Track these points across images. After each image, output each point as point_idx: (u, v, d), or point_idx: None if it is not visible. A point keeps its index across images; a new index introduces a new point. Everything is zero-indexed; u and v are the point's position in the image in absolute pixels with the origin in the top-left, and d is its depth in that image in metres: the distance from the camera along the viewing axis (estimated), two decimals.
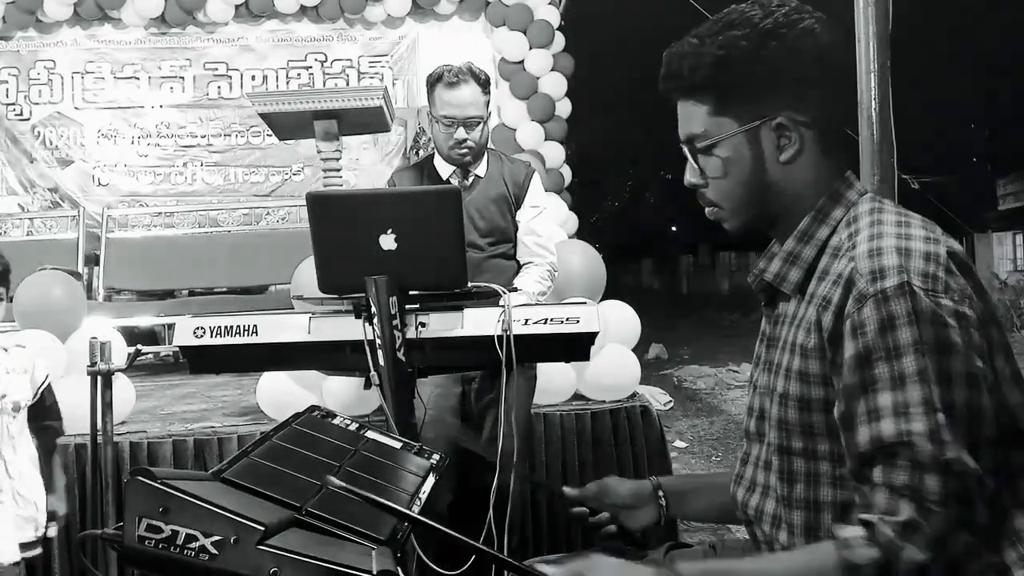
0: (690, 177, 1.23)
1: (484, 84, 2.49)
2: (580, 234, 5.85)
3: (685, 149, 1.21)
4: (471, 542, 1.05)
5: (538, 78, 6.21)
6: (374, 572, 0.95)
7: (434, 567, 1.99)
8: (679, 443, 5.71)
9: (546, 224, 2.64)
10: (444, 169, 2.55)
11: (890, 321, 1.01)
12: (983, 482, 0.98)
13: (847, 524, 1.02)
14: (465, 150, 2.47)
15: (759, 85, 1.14)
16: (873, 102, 2.62)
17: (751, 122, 1.15)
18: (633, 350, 3.33)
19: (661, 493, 1.41)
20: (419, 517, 1.08)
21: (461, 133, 2.45)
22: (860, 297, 1.04)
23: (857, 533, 0.99)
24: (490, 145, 2.67)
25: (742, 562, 1.11)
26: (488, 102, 2.53)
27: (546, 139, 6.20)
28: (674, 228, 27.98)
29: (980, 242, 13.66)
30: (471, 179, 2.55)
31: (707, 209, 1.24)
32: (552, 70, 6.24)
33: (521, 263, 2.62)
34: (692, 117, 1.18)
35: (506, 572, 1.38)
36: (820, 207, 1.17)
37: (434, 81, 2.49)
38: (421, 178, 2.56)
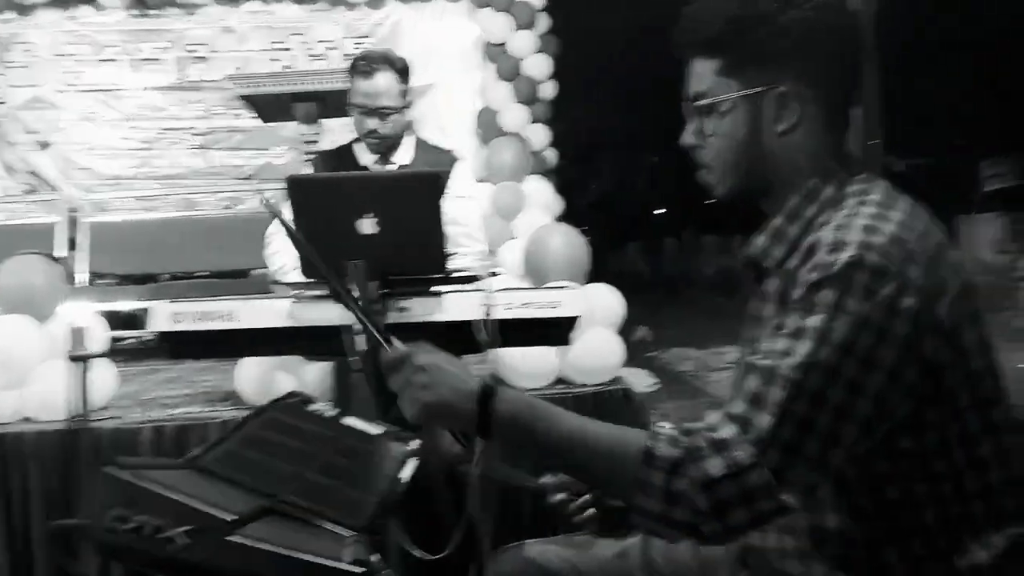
0: (686, 137, 1.23)
1: (402, 72, 2.45)
2: (565, 217, 5.83)
3: (690, 107, 1.21)
4: None
5: (522, 60, 6.16)
6: (347, 561, 0.94)
7: (417, 553, 1.98)
8: (664, 425, 5.72)
9: (472, 213, 2.58)
10: (364, 157, 2.53)
11: (824, 282, 1.02)
12: (824, 452, 0.98)
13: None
14: (377, 140, 2.44)
15: (770, 50, 1.13)
16: None
17: (755, 87, 1.14)
18: (619, 333, 3.33)
19: None
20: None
21: (373, 123, 2.42)
22: (814, 266, 1.04)
23: (667, 432, 1.02)
24: (423, 135, 2.64)
25: (564, 415, 1.10)
26: (406, 91, 2.48)
27: (531, 121, 6.16)
28: (660, 211, 27.97)
29: (963, 224, 13.68)
30: (393, 167, 2.52)
31: (700, 171, 1.24)
32: (537, 52, 6.19)
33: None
34: (700, 75, 1.19)
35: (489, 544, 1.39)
36: (812, 186, 1.16)
37: (352, 67, 2.46)
38: (340, 164, 2.54)
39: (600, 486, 1.13)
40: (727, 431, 0.99)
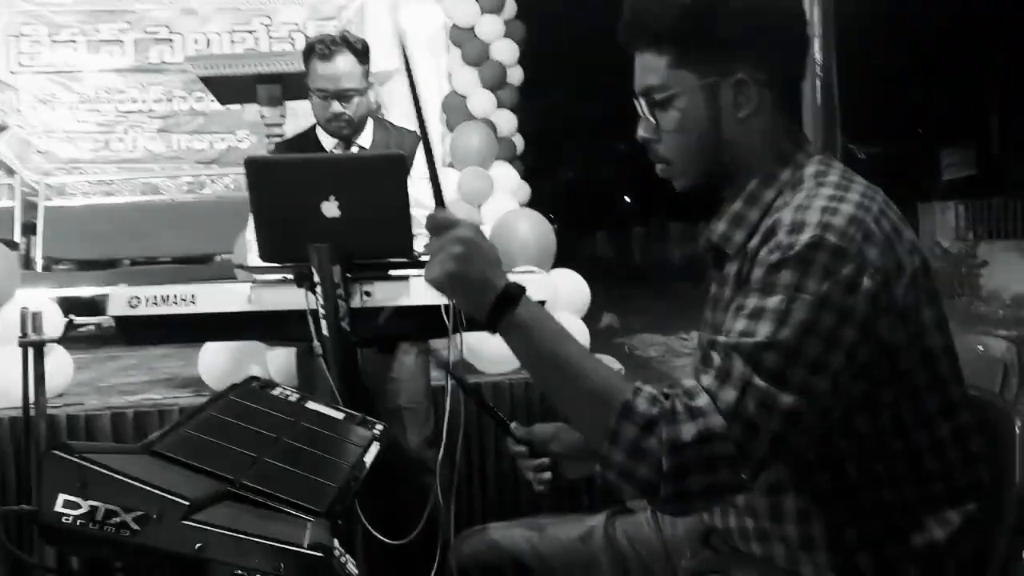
0: (643, 131, 1.21)
1: (361, 53, 2.40)
2: (532, 203, 5.82)
3: (641, 102, 1.19)
4: None
5: (489, 44, 6.13)
6: (305, 545, 0.92)
7: (380, 537, 1.97)
8: (668, 388, 5.76)
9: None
10: (327, 141, 2.48)
11: (783, 263, 1.02)
12: (785, 429, 0.99)
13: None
14: (342, 123, 2.40)
15: (722, 39, 1.12)
16: (818, 69, 2.63)
17: (711, 77, 1.13)
18: (585, 319, 3.33)
19: None
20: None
21: (336, 106, 2.37)
22: (774, 246, 1.04)
23: (651, 391, 1.02)
24: (381, 113, 2.60)
25: (572, 342, 1.09)
26: (367, 71, 2.44)
27: (498, 107, 6.13)
28: (627, 199, 28.10)
29: (923, 212, 13.92)
30: (355, 150, 2.49)
31: (658, 166, 1.23)
32: (504, 36, 6.16)
33: None
34: (651, 68, 1.16)
35: (452, 529, 1.37)
36: (769, 170, 1.16)
37: (308, 52, 2.41)
38: (303, 150, 2.49)
39: (576, 423, 1.12)
40: (702, 400, 0.99)
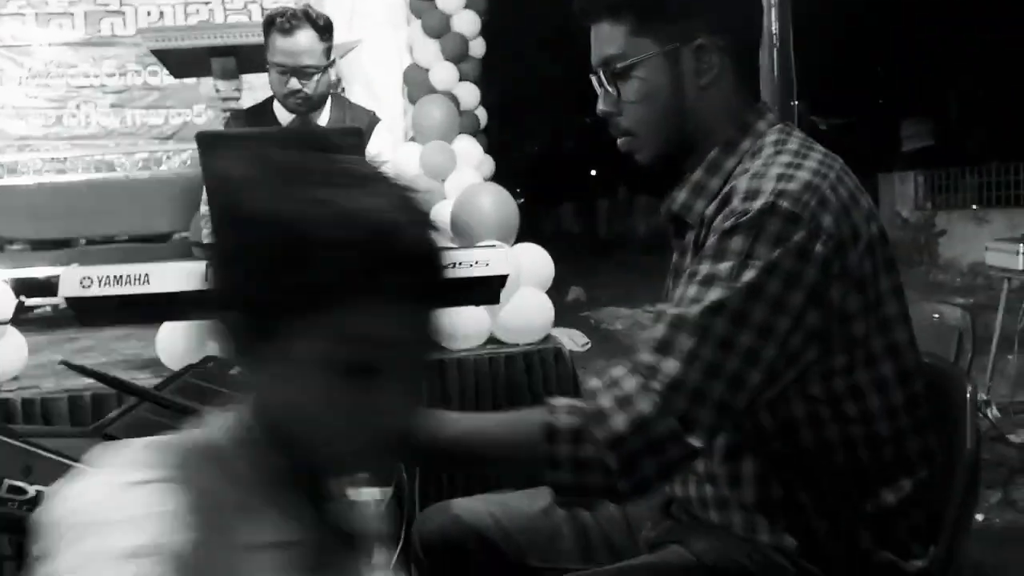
0: (603, 105, 1.19)
1: (323, 30, 2.35)
2: (497, 177, 5.78)
3: (600, 74, 1.18)
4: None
5: (450, 16, 6.05)
6: None
7: None
8: (595, 382, 5.79)
9: None
10: (284, 116, 2.44)
11: (735, 229, 1.02)
12: (733, 396, 0.98)
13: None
14: (300, 100, 2.36)
15: (680, 5, 1.12)
16: (774, 38, 2.63)
17: (672, 43, 1.12)
18: (551, 293, 3.32)
19: None
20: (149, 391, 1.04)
21: (295, 83, 2.33)
22: (729, 213, 1.04)
23: (565, 402, 1.02)
24: (340, 88, 2.56)
25: (456, 424, 1.08)
26: (329, 48, 2.39)
27: (460, 79, 6.07)
28: (593, 172, 28.09)
29: (884, 182, 14.09)
30: None
31: (620, 140, 1.22)
32: (465, 7, 6.08)
33: None
34: (609, 38, 1.15)
35: (416, 505, 1.36)
36: (729, 138, 1.16)
37: (268, 25, 2.35)
38: (258, 123, 2.45)
39: (513, 471, 1.12)
40: (629, 384, 0.98)
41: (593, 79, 1.20)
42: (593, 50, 1.18)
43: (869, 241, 1.06)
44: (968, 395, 1.15)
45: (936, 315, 1.68)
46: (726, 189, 1.09)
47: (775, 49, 2.64)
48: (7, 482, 0.85)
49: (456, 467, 1.14)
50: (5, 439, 0.86)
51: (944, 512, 1.12)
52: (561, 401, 1.02)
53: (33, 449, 0.86)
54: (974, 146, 15.17)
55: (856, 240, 1.05)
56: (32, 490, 0.86)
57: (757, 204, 1.01)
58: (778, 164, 1.07)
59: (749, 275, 0.99)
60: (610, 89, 1.17)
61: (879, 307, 1.07)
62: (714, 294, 0.99)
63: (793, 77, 2.65)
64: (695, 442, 0.97)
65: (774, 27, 2.65)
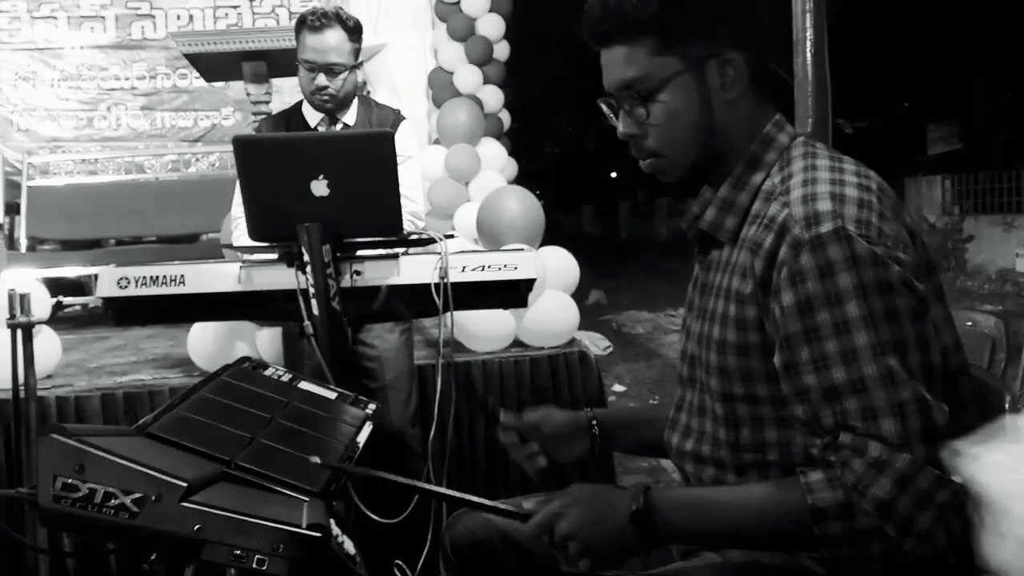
0: (625, 128, 1.18)
1: (352, 31, 2.41)
2: (519, 180, 5.80)
3: (622, 97, 1.16)
4: (415, 483, 1.05)
5: (475, 19, 6.07)
6: (304, 525, 0.93)
7: (373, 516, 1.98)
8: (618, 387, 5.79)
9: (410, 173, 2.51)
10: (312, 117, 2.48)
11: (828, 267, 1.01)
12: (943, 413, 0.99)
13: (809, 467, 1.03)
14: (326, 97, 2.40)
15: (701, 22, 1.11)
16: (809, 43, 2.62)
17: (696, 60, 1.12)
18: (573, 296, 3.33)
19: (595, 423, 1.40)
20: (350, 468, 1.06)
21: (322, 79, 2.38)
22: (795, 243, 1.03)
23: (819, 477, 1.00)
24: (367, 91, 2.59)
25: (717, 490, 1.11)
26: (357, 50, 2.44)
27: (484, 83, 6.09)
28: (614, 174, 28.04)
29: (910, 186, 13.97)
30: (339, 127, 2.48)
31: (644, 161, 1.20)
32: (490, 11, 6.10)
33: None
34: (628, 61, 1.14)
35: (444, 507, 1.37)
36: (753, 152, 1.15)
37: (300, 23, 2.41)
38: (288, 126, 2.49)
39: (774, 550, 1.11)
40: (874, 449, 0.98)
41: (603, 104, 1.20)
42: (607, 74, 1.17)
43: (916, 244, 1.07)
44: (1007, 404, 1.15)
45: (969, 323, 1.67)
46: (772, 211, 1.08)
47: (810, 55, 2.63)
48: (61, 479, 0.87)
49: (721, 547, 1.15)
50: (60, 437, 0.88)
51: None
52: (813, 476, 1.01)
53: (86, 448, 0.89)
54: (1002, 149, 14.99)
55: (913, 241, 1.06)
56: (85, 488, 0.88)
57: (824, 230, 1.01)
58: (822, 182, 1.06)
59: (879, 305, 0.99)
60: (634, 112, 1.16)
61: (928, 308, 1.07)
62: (862, 338, 0.99)
63: (828, 85, 2.63)
64: (956, 477, 0.97)
65: (809, 34, 2.64)
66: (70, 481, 0.87)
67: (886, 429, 0.97)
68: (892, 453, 0.97)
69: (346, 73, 2.40)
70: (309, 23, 2.37)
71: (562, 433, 1.39)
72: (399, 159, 2.53)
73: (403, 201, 2.51)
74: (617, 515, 1.05)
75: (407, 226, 2.35)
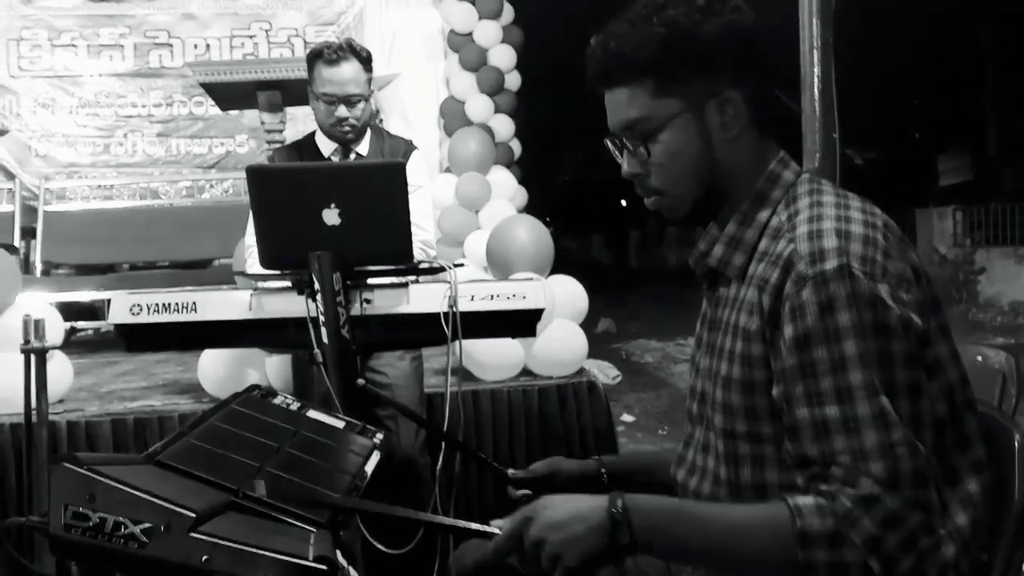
0: (628, 167, 1.20)
1: (366, 61, 2.45)
2: (529, 208, 5.83)
3: (622, 138, 1.18)
4: (416, 514, 1.05)
5: (487, 50, 6.14)
6: (311, 557, 0.93)
7: (380, 547, 1.98)
8: (627, 417, 5.77)
9: (421, 203, 2.53)
10: (326, 147, 2.51)
11: (829, 304, 1.01)
12: (929, 460, 0.99)
13: (797, 492, 1.02)
14: (347, 128, 2.44)
15: (701, 62, 1.13)
16: (816, 79, 2.65)
17: (697, 100, 1.14)
18: (582, 324, 3.34)
19: (603, 471, 1.41)
20: (339, 501, 1.06)
21: (342, 111, 2.41)
22: (799, 279, 1.04)
23: (809, 502, 1.00)
24: (379, 119, 2.62)
25: (699, 504, 1.11)
26: (370, 80, 2.49)
27: (495, 112, 6.15)
28: (623, 203, 28.12)
29: (921, 217, 13.92)
30: (353, 157, 2.51)
31: (649, 199, 1.22)
32: (501, 42, 6.18)
33: None
34: (631, 102, 1.16)
35: (451, 538, 1.36)
36: (759, 189, 1.17)
37: (314, 57, 2.45)
38: (301, 155, 2.52)
39: (749, 571, 1.10)
40: (866, 485, 0.98)
41: (608, 143, 1.21)
42: (611, 115, 1.19)
43: (920, 281, 1.07)
44: (1017, 442, 1.14)
45: (979, 357, 1.66)
46: (779, 248, 1.09)
47: (817, 89, 2.65)
48: (72, 508, 0.88)
49: (698, 565, 1.14)
50: (72, 467, 0.89)
51: (992, 560, 1.11)
52: (803, 500, 1.00)
53: (97, 477, 0.89)
54: (1014, 181, 14.96)
55: (917, 281, 1.06)
56: (95, 517, 0.89)
57: (829, 267, 1.02)
58: (828, 219, 1.07)
59: (875, 345, 0.99)
60: (636, 152, 1.17)
61: (932, 347, 1.07)
62: (857, 376, 0.99)
63: (835, 120, 2.65)
64: (940, 529, 0.99)
65: (816, 70, 2.66)
66: (81, 510, 0.88)
67: (876, 469, 0.97)
68: (884, 491, 0.97)
69: (363, 103, 2.44)
70: (326, 56, 2.40)
71: (575, 480, 1.39)
72: (410, 188, 2.56)
73: (414, 230, 2.53)
74: (592, 516, 1.03)
75: (418, 255, 2.37)
